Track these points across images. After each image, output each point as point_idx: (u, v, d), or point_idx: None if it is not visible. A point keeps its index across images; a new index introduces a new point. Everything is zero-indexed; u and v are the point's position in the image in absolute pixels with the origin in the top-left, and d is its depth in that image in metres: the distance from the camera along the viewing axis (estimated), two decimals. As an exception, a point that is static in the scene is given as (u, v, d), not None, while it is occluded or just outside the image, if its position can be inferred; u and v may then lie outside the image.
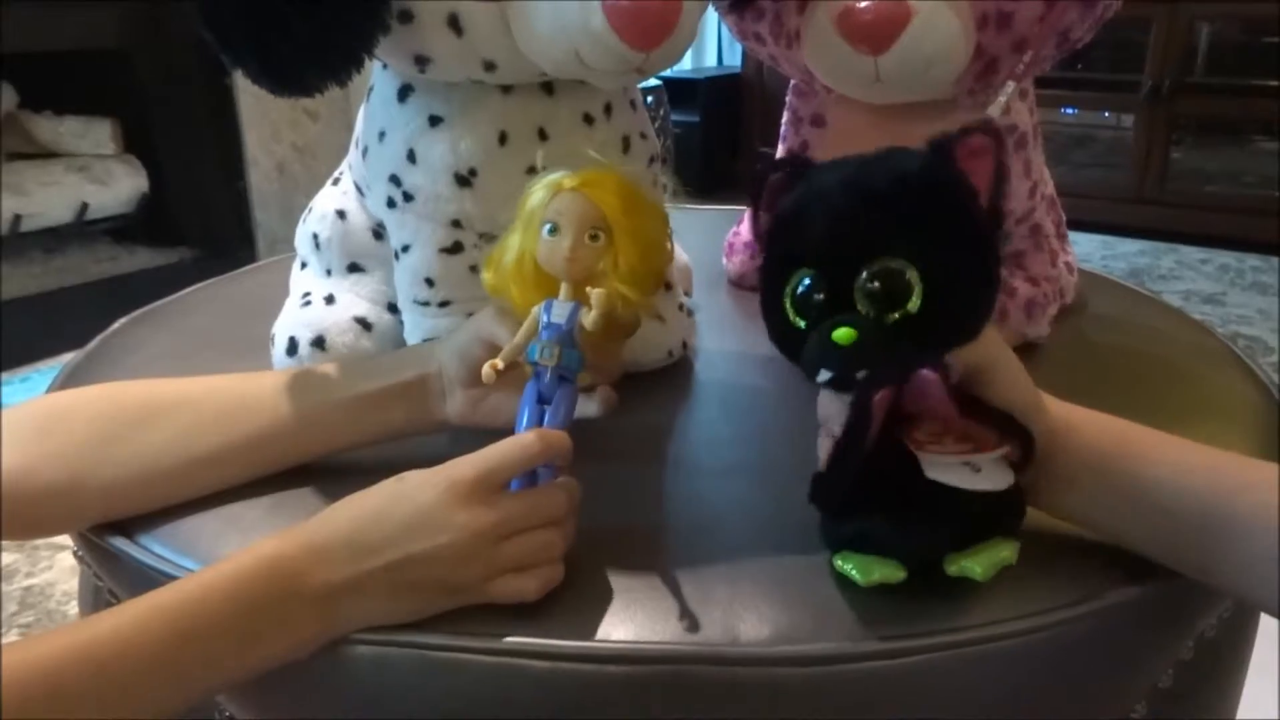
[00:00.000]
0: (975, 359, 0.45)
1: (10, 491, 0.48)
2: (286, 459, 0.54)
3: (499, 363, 0.49)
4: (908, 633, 0.43)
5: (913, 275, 0.42)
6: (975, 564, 0.44)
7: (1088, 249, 2.83)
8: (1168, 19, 2.79)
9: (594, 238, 0.48)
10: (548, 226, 0.49)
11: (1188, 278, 2.65)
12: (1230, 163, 2.97)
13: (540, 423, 0.48)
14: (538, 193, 0.50)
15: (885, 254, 0.42)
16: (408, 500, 0.43)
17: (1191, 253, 2.83)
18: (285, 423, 0.53)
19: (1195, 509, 0.43)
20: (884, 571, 0.43)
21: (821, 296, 0.43)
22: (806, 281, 0.44)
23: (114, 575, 0.54)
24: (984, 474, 0.44)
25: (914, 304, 0.42)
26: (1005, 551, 0.44)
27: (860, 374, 0.42)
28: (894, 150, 0.45)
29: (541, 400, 0.48)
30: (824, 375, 0.43)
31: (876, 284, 0.42)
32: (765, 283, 0.46)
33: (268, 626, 0.41)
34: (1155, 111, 2.89)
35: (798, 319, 0.44)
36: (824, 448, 0.48)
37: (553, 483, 0.47)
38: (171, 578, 0.48)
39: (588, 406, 0.52)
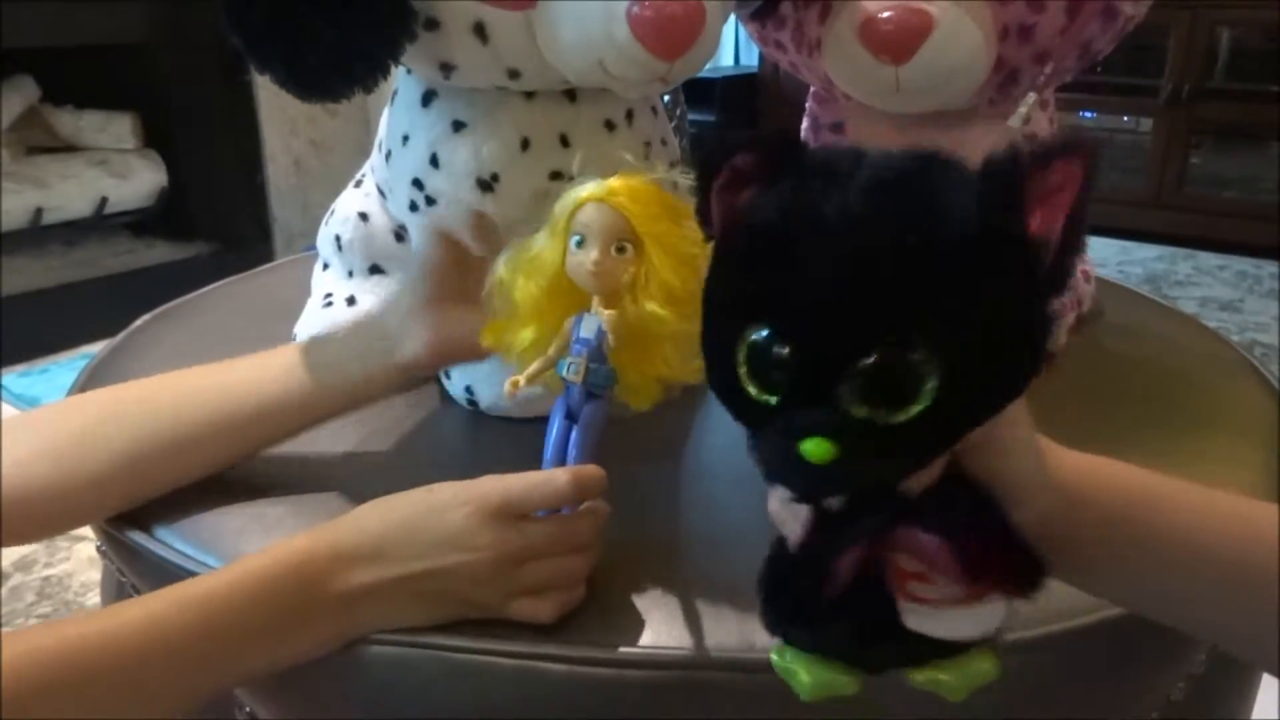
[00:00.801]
0: (984, 434, 0.34)
1: (5, 496, 0.48)
2: (263, 439, 0.54)
3: (522, 380, 0.48)
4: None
5: (930, 371, 0.28)
6: (949, 677, 0.35)
7: (1104, 254, 2.82)
8: (1188, 24, 2.78)
9: (621, 249, 0.47)
10: (575, 239, 0.48)
11: (1204, 284, 2.63)
12: (1249, 168, 2.95)
13: (566, 439, 0.47)
14: (565, 203, 0.49)
15: (889, 336, 0.28)
16: (435, 516, 0.43)
17: (1209, 259, 2.81)
18: (266, 402, 0.53)
19: (1210, 570, 0.38)
20: (835, 682, 0.35)
21: (790, 365, 0.29)
22: (765, 334, 0.30)
23: (136, 570, 0.55)
24: (978, 615, 0.34)
25: (919, 408, 0.28)
26: (985, 664, 0.35)
27: (828, 500, 0.31)
28: (922, 161, 0.30)
29: (569, 416, 0.48)
30: (781, 491, 0.33)
31: (872, 378, 0.28)
32: (711, 323, 0.32)
33: (290, 625, 0.41)
34: (1174, 116, 2.88)
35: (754, 388, 0.30)
36: (785, 528, 0.36)
37: (580, 510, 0.46)
38: (193, 574, 0.48)
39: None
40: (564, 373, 0.48)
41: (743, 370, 0.30)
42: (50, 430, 0.51)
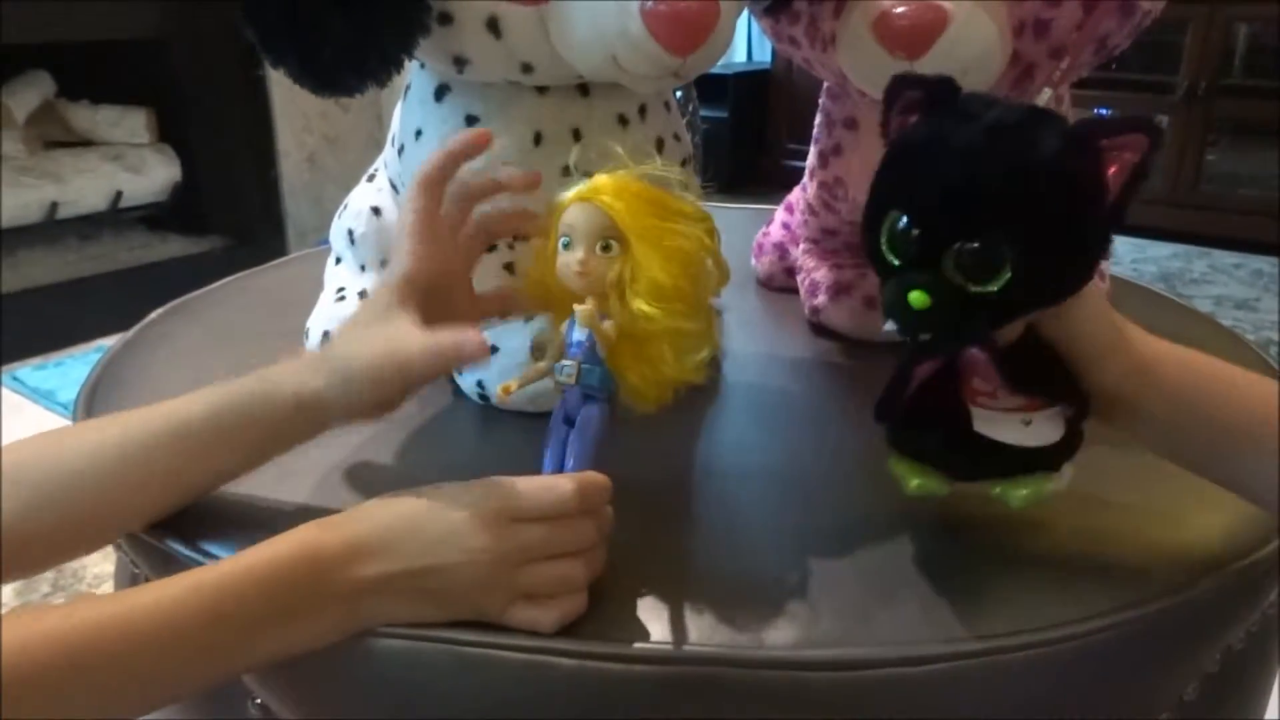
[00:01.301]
0: (1054, 310, 0.45)
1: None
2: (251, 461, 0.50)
3: (514, 385, 0.48)
4: (934, 639, 0.43)
5: (1005, 260, 0.40)
6: (1017, 491, 0.46)
7: (1119, 251, 2.80)
8: (1205, 19, 2.76)
9: (606, 248, 0.46)
10: (563, 240, 0.47)
11: (1220, 282, 2.62)
12: (1266, 166, 2.92)
13: (564, 443, 0.47)
14: (553, 204, 0.48)
15: (984, 231, 0.41)
16: (439, 513, 0.43)
17: (1224, 257, 2.80)
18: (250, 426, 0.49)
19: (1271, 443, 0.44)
20: (927, 483, 0.47)
21: (915, 241, 0.42)
22: (904, 221, 0.42)
23: (149, 562, 0.55)
24: (1033, 428, 0.46)
25: (997, 285, 0.41)
26: (1049, 484, 0.46)
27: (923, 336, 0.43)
28: (1036, 115, 0.42)
29: (568, 420, 0.47)
30: (890, 325, 0.43)
31: (967, 257, 0.41)
32: (870, 202, 0.44)
33: (300, 613, 0.42)
34: (1191, 113, 2.86)
35: (889, 253, 0.43)
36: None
37: (573, 509, 0.44)
38: (183, 558, 0.49)
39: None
40: (559, 376, 0.47)
41: (884, 239, 0.43)
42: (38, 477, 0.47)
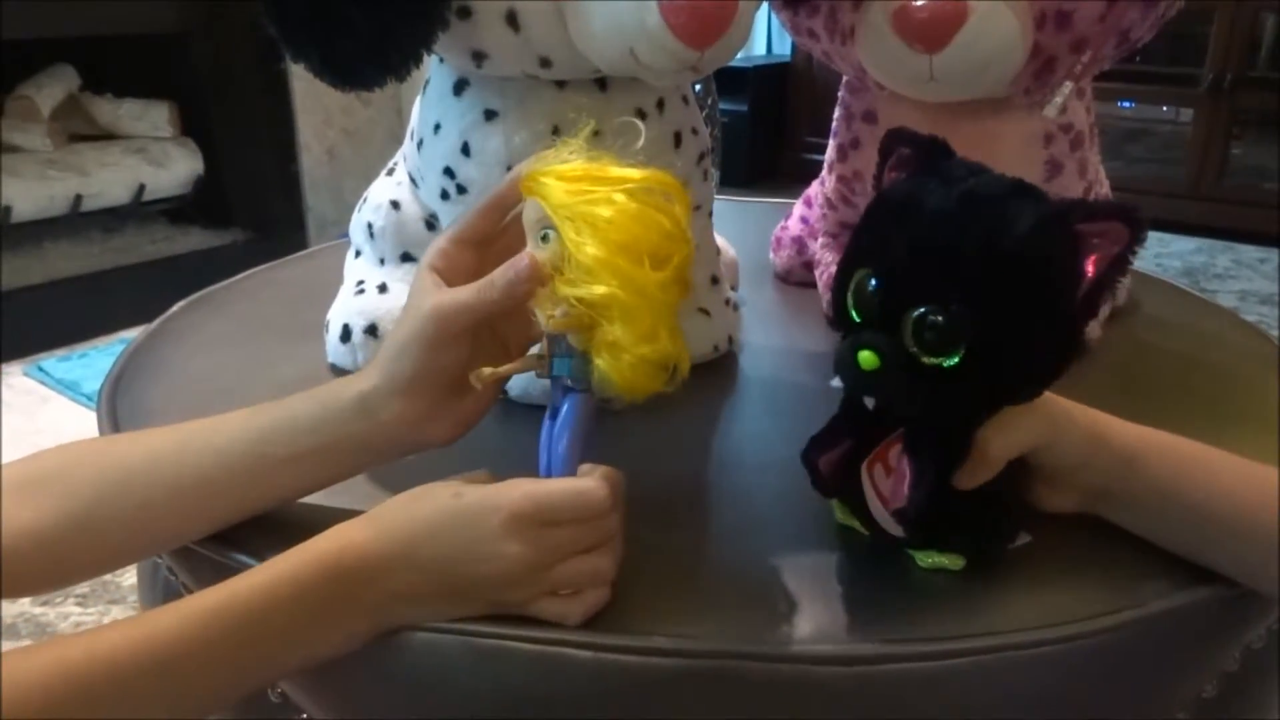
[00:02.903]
0: (1032, 444, 0.46)
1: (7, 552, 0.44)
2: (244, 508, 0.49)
3: (485, 372, 0.46)
4: (950, 635, 0.43)
5: (961, 333, 0.39)
6: (925, 556, 0.46)
7: (1141, 246, 2.78)
8: (1231, 10, 2.72)
9: (544, 238, 0.45)
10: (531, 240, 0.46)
11: (1244, 277, 2.59)
12: (1292, 159, 2.90)
13: (550, 436, 0.46)
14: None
15: (945, 302, 0.39)
16: (464, 521, 0.42)
17: (1249, 251, 2.76)
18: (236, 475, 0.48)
19: (1255, 523, 0.44)
20: (852, 522, 0.49)
21: (874, 300, 0.42)
22: (873, 282, 0.42)
23: (173, 555, 0.56)
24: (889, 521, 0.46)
25: (950, 360, 0.40)
26: (948, 562, 0.46)
27: (869, 398, 0.42)
28: (1016, 188, 0.41)
29: (553, 413, 0.47)
30: (836, 382, 0.43)
31: (924, 324, 0.40)
32: (843, 258, 0.44)
33: (327, 623, 0.42)
34: (1215, 106, 2.83)
35: (854, 310, 0.43)
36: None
37: (607, 512, 0.44)
38: (226, 565, 0.49)
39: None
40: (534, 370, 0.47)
41: (850, 295, 0.43)
42: (61, 489, 0.46)
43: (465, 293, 0.46)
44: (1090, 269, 0.40)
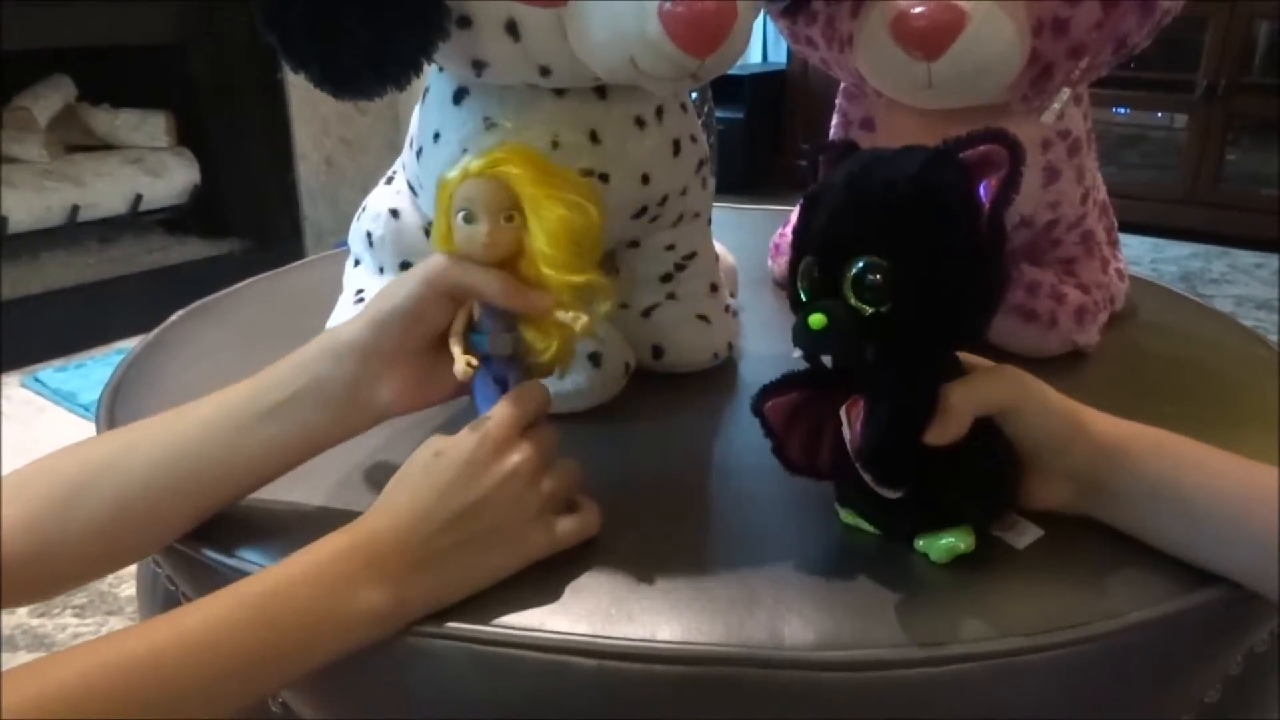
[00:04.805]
0: (997, 402, 0.47)
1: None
2: (234, 489, 0.50)
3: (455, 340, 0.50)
4: (953, 640, 0.43)
5: (884, 275, 0.43)
6: (937, 542, 0.47)
7: (1138, 251, 2.79)
8: (1226, 16, 2.74)
9: (509, 219, 0.49)
10: (461, 214, 0.49)
11: (1240, 282, 2.60)
12: (1287, 164, 2.91)
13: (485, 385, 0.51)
14: (449, 181, 0.50)
15: (866, 252, 0.44)
16: (446, 460, 0.45)
17: (1245, 256, 2.77)
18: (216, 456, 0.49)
19: (1252, 522, 0.44)
20: (860, 522, 0.51)
21: (814, 275, 0.46)
22: (808, 258, 0.46)
23: (171, 562, 0.56)
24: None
25: (886, 305, 0.44)
26: (963, 543, 0.47)
27: (826, 358, 0.45)
28: (906, 150, 0.46)
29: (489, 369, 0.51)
30: (796, 352, 0.46)
31: (854, 279, 0.44)
32: (790, 254, 0.49)
33: (348, 600, 0.42)
34: (1210, 111, 2.84)
35: (804, 292, 0.47)
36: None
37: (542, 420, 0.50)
38: (233, 568, 0.49)
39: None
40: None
41: (800, 283, 0.47)
42: (27, 495, 0.47)
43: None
44: (986, 200, 0.44)
